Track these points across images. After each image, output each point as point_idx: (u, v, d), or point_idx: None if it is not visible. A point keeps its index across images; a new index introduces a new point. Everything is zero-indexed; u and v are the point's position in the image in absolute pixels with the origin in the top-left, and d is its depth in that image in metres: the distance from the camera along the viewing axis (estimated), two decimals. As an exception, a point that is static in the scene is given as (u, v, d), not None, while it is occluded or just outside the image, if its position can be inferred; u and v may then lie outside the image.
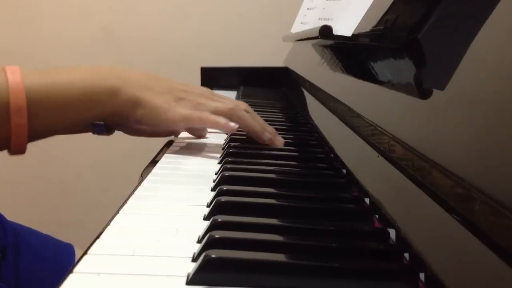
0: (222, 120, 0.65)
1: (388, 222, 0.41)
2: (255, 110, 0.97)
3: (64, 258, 0.74)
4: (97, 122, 0.65)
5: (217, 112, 0.65)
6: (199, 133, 0.76)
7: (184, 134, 0.79)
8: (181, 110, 0.64)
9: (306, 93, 1.02)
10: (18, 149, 0.60)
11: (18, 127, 0.58)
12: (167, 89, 0.65)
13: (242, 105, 0.70)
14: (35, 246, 0.73)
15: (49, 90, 0.60)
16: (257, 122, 0.68)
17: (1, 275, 0.66)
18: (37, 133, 0.61)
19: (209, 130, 0.78)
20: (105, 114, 0.63)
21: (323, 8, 0.92)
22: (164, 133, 0.73)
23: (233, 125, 0.65)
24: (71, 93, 0.60)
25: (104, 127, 0.66)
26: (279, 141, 0.69)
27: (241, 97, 1.17)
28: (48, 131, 0.63)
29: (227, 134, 0.76)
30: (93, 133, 0.67)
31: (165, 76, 0.68)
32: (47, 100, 0.59)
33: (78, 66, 0.65)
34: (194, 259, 0.36)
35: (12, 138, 0.58)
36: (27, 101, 0.57)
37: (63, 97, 0.60)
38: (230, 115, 0.66)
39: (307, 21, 1.08)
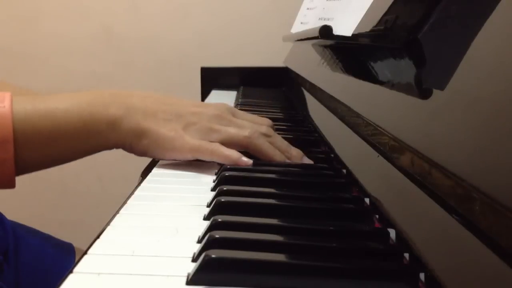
0: (234, 155, 0.57)
1: (388, 222, 0.41)
2: (255, 110, 0.98)
3: (64, 258, 0.74)
4: None
5: (231, 141, 0.59)
6: None
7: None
8: (189, 140, 0.57)
9: (306, 93, 1.02)
10: (5, 184, 0.54)
11: (3, 162, 0.52)
12: (175, 114, 0.59)
13: (262, 128, 0.62)
14: (35, 245, 0.73)
15: (41, 121, 0.54)
16: (276, 151, 0.61)
17: (3, 275, 0.66)
18: (26, 167, 0.55)
19: None
20: (105, 146, 0.58)
21: (323, 8, 0.92)
22: None
23: (245, 161, 0.57)
24: (65, 123, 0.55)
25: None
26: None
27: (241, 97, 1.17)
28: (39, 164, 0.57)
29: None
30: None
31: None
32: (37, 131, 0.54)
33: (76, 93, 0.58)
34: (194, 259, 0.36)
35: None
36: (14, 133, 0.52)
37: (56, 128, 0.54)
38: (246, 145, 0.59)
39: (307, 21, 1.08)
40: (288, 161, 0.61)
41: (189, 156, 0.59)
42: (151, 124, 0.57)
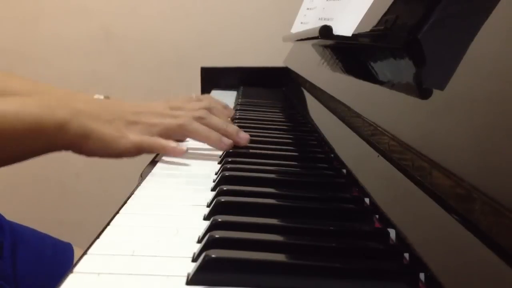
0: (170, 145, 0.62)
1: (388, 222, 0.41)
2: (255, 110, 0.98)
3: (63, 257, 0.74)
4: None
5: (168, 132, 0.63)
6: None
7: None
8: (131, 137, 0.61)
9: (306, 93, 1.02)
10: None
11: None
12: (117, 115, 0.62)
13: (196, 113, 0.66)
14: (34, 244, 0.74)
15: None
16: (212, 132, 0.65)
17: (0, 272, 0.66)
18: None
19: None
20: (55, 147, 0.60)
21: (323, 8, 0.92)
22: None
23: (180, 149, 0.62)
24: (14, 125, 0.56)
25: None
26: (243, 139, 0.66)
27: (241, 97, 1.17)
28: None
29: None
30: None
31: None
32: None
33: (25, 97, 0.61)
34: (194, 259, 0.36)
35: None
36: None
37: (5, 129, 0.56)
38: (182, 132, 0.64)
39: (307, 21, 1.08)
40: (225, 139, 0.65)
41: (134, 152, 0.62)
42: (95, 125, 0.60)
